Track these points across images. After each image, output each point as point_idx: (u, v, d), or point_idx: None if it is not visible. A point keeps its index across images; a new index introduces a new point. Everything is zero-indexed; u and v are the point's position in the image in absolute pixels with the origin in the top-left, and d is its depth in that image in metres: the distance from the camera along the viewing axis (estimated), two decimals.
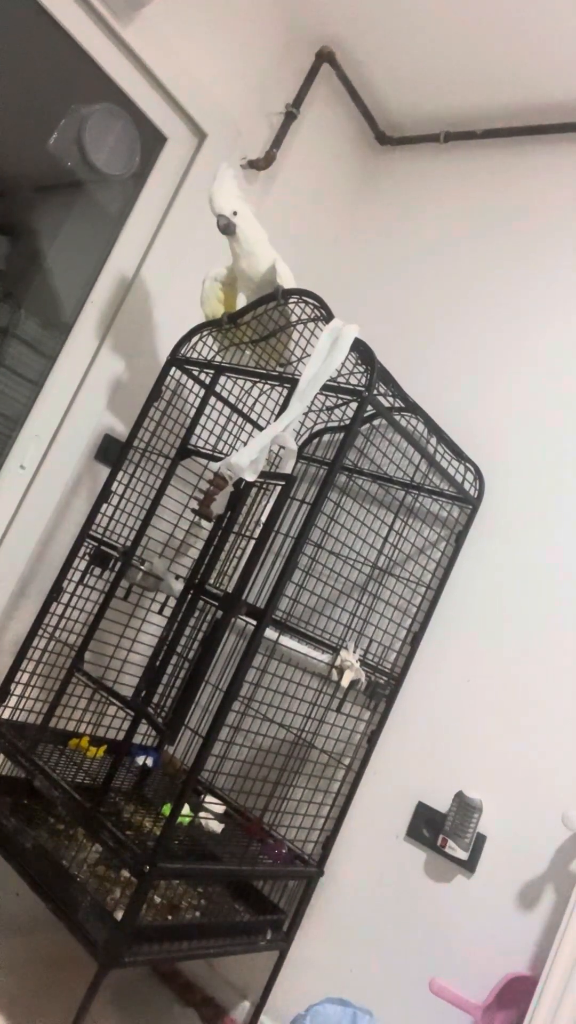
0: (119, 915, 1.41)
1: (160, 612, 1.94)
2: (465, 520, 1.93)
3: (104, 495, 1.82)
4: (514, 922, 1.59)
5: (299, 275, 1.73)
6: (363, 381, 1.55)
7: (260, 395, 2.02)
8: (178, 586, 1.83)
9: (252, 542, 1.56)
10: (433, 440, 1.80)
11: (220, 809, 1.87)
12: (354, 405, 1.55)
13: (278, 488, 1.55)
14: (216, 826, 1.80)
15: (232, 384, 2.01)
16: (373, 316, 2.19)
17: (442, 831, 1.68)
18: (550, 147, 2.18)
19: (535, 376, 1.99)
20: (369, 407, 1.53)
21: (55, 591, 1.79)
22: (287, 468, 1.61)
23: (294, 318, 1.68)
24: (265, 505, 1.84)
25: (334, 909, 1.81)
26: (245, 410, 2.04)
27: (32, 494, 1.99)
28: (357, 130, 2.49)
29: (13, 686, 1.76)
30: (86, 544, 1.81)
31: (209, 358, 1.84)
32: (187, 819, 1.74)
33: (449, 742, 1.79)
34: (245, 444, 1.68)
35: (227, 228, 1.65)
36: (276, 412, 2.00)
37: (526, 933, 1.57)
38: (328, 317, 1.59)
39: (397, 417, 1.69)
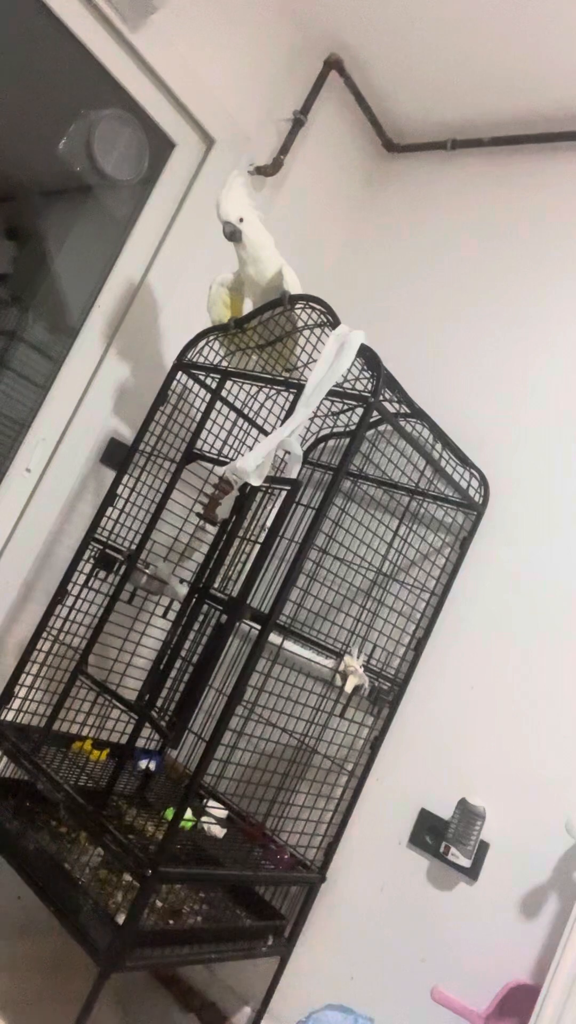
0: (121, 919, 1.41)
1: (164, 616, 1.94)
2: (470, 527, 1.93)
3: (109, 498, 1.83)
4: (517, 930, 1.59)
5: (305, 281, 1.73)
6: (369, 387, 1.55)
7: (266, 400, 2.02)
8: (182, 590, 1.83)
9: (257, 547, 1.56)
10: (438, 446, 1.80)
11: (222, 814, 1.87)
12: (360, 411, 1.56)
13: (283, 493, 1.55)
14: (218, 831, 1.80)
15: (238, 389, 2.02)
16: (379, 322, 2.19)
17: (445, 838, 1.68)
18: (558, 155, 2.18)
19: (541, 383, 1.99)
20: (375, 413, 1.53)
21: (60, 594, 1.79)
22: (292, 473, 1.61)
23: (300, 323, 1.68)
24: (270, 510, 1.84)
25: (336, 915, 1.81)
26: (251, 415, 2.05)
27: (38, 497, 2.00)
28: (364, 137, 2.50)
29: (17, 688, 1.76)
30: (91, 547, 1.82)
31: (215, 363, 1.85)
32: (189, 824, 1.74)
33: (453, 749, 1.78)
34: (251, 449, 1.69)
35: (232, 235, 1.66)
36: (282, 417, 2.00)
37: (529, 941, 1.57)
38: (334, 323, 1.59)
39: (403, 423, 1.69)
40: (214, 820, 1.82)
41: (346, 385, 1.58)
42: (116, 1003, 1.80)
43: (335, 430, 2.14)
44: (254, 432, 2.07)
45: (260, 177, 2.22)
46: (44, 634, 1.78)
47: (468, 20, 1.99)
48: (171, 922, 1.60)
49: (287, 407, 2.00)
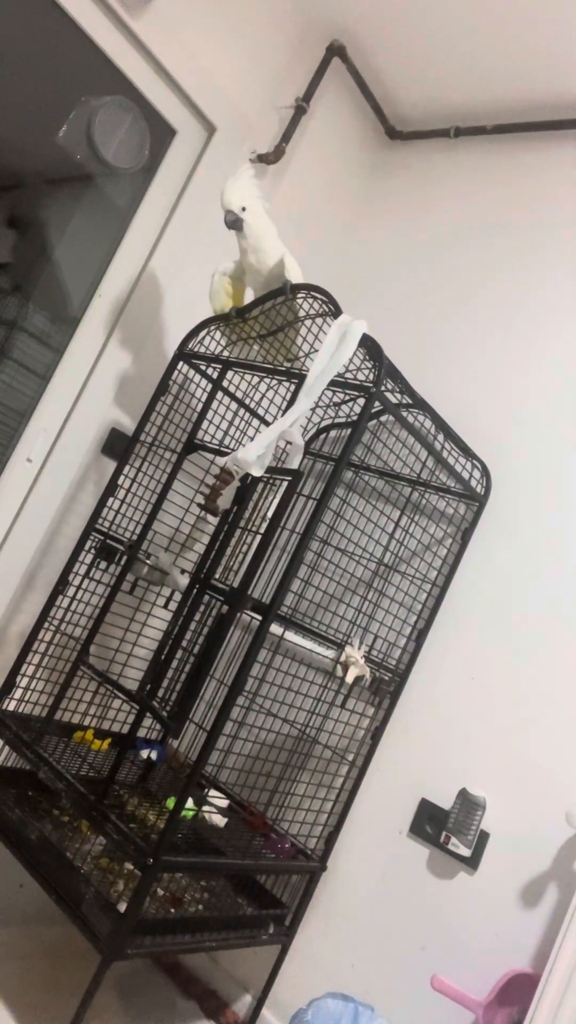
0: (122, 907, 1.41)
1: (165, 606, 1.94)
2: (472, 517, 1.92)
3: (110, 489, 1.82)
4: (516, 920, 1.59)
5: (307, 270, 1.73)
6: (371, 377, 1.55)
7: (267, 390, 2.02)
8: (184, 580, 1.83)
9: (258, 537, 1.56)
10: (440, 437, 1.80)
11: (224, 803, 1.88)
12: (361, 401, 1.55)
13: (284, 484, 1.55)
14: (219, 820, 1.80)
15: (239, 379, 2.01)
16: (381, 311, 2.18)
17: (445, 828, 1.68)
18: (561, 143, 2.16)
19: (544, 373, 1.98)
20: (376, 403, 1.53)
21: (61, 584, 1.79)
22: (294, 464, 1.60)
23: (302, 313, 1.67)
24: (271, 500, 1.84)
25: (336, 904, 1.82)
26: (252, 405, 2.04)
27: (39, 487, 1.99)
28: (367, 124, 2.48)
29: (19, 678, 1.77)
30: (92, 538, 1.82)
31: (217, 353, 1.84)
32: (191, 813, 1.75)
33: (453, 739, 1.79)
34: (252, 439, 1.68)
35: (233, 224, 1.65)
36: (283, 407, 2.00)
37: (528, 931, 1.57)
38: (336, 312, 1.58)
39: (404, 413, 1.69)
40: (215, 809, 1.83)
41: (348, 375, 1.57)
42: (118, 991, 1.81)
43: (337, 420, 2.13)
44: (255, 422, 2.07)
45: (262, 165, 2.20)
46: (46, 624, 1.78)
47: (472, 6, 1.97)
48: (172, 910, 1.61)
49: (288, 397, 1.99)
